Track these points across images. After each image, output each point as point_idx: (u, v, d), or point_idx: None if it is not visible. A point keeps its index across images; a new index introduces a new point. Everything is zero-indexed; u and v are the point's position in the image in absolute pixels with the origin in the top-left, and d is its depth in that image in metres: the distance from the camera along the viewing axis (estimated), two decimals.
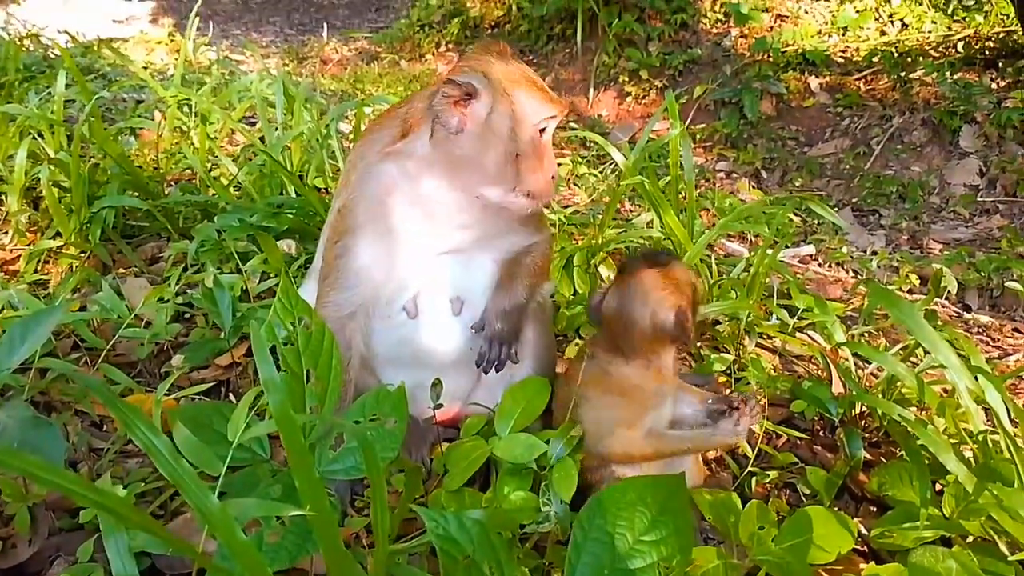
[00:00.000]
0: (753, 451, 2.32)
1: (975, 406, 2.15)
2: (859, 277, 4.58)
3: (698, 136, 7.74)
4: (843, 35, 8.69)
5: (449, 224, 2.09)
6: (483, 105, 1.94)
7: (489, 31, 10.48)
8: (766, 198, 5.59)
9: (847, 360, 2.81)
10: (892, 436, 2.44)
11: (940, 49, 8.09)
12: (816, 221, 5.73)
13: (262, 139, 4.04)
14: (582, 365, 2.05)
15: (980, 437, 2.17)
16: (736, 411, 1.96)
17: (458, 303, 2.17)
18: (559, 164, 2.21)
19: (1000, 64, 7.51)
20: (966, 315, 4.28)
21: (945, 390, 2.57)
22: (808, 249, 4.92)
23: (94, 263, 3.26)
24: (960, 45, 8.04)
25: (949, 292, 3.83)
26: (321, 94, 6.85)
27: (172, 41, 9.62)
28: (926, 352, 2.52)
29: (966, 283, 4.55)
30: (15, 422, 1.82)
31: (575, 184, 5.70)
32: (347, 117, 5.24)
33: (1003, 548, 1.82)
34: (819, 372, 2.96)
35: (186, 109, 4.63)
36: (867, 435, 2.53)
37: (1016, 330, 4.09)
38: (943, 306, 4.31)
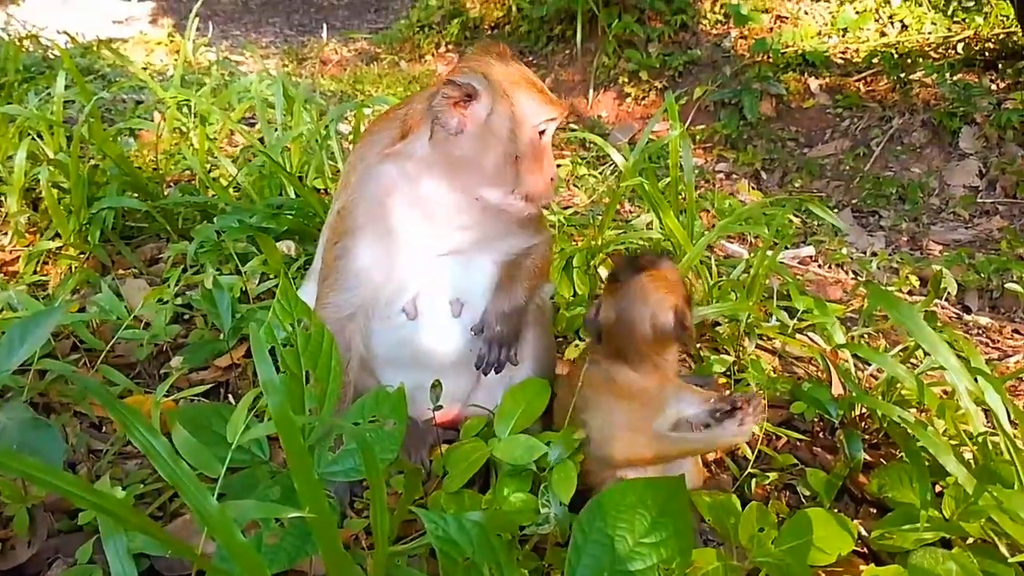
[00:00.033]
0: (753, 453, 2.32)
1: (975, 408, 2.15)
2: (859, 278, 4.57)
3: (698, 137, 7.74)
4: (843, 36, 8.69)
5: (449, 225, 2.09)
6: (483, 106, 1.94)
7: (489, 32, 10.49)
8: (766, 199, 5.60)
9: (847, 361, 2.81)
10: (892, 438, 2.44)
11: (940, 50, 8.10)
12: (816, 222, 5.73)
13: (261, 140, 4.04)
14: (583, 368, 2.04)
15: (980, 439, 2.17)
16: (740, 410, 1.96)
17: (458, 305, 2.17)
18: (558, 165, 2.21)
19: (1000, 65, 7.51)
20: (966, 316, 4.28)
21: (945, 392, 2.57)
22: (808, 250, 4.92)
23: (93, 264, 3.25)
24: (960, 46, 8.04)
25: (949, 293, 3.84)
26: (320, 95, 6.85)
27: (172, 42, 9.62)
28: (926, 354, 2.52)
29: (966, 284, 4.55)
30: (14, 423, 1.82)
31: (575, 185, 5.70)
32: (346, 118, 5.24)
33: (1003, 550, 1.82)
34: (819, 373, 2.95)
35: (185, 110, 4.63)
36: (867, 437, 2.53)
37: (1016, 331, 4.09)
38: (943, 307, 4.31)
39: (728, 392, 2.45)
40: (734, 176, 7.13)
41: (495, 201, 2.02)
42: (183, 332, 2.81)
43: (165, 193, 3.73)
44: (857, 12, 8.80)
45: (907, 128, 7.16)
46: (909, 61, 7.86)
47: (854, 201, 6.59)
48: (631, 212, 4.88)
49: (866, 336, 3.28)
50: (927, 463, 2.03)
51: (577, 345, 2.86)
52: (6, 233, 3.41)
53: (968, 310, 4.44)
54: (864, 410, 2.56)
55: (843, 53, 8.38)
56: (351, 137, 4.61)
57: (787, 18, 9.02)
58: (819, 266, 4.75)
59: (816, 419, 2.62)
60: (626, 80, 8.72)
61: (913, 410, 2.53)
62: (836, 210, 6.27)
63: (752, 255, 3.58)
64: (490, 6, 10.61)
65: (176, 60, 6.27)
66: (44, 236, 3.34)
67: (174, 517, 1.94)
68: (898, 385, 2.59)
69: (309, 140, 4.01)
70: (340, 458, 1.75)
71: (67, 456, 2.07)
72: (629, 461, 1.98)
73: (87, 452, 2.17)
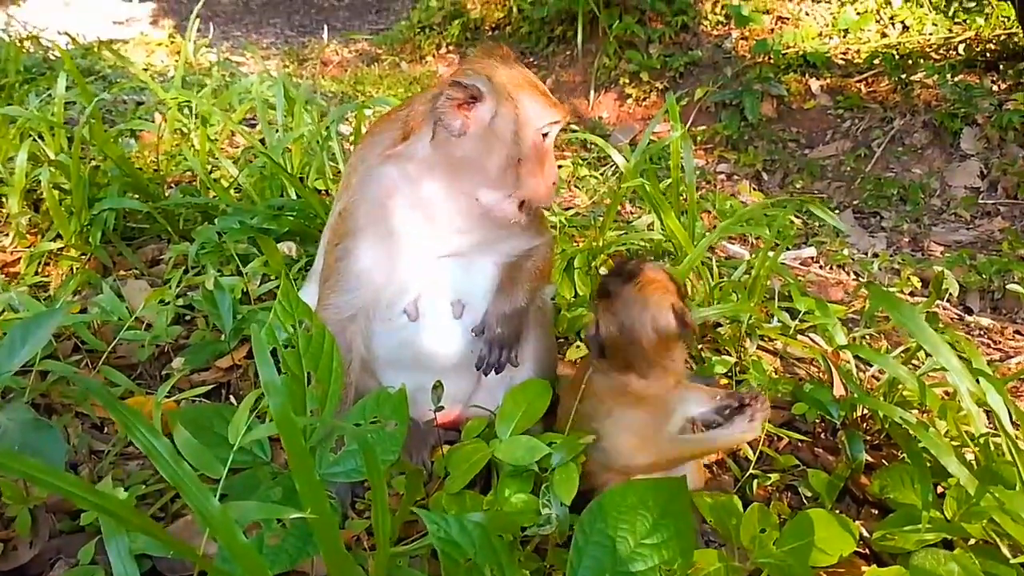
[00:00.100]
0: (754, 454, 2.32)
1: (976, 409, 2.15)
2: (860, 279, 4.57)
3: (699, 138, 7.74)
4: (844, 37, 8.70)
5: (450, 227, 2.09)
6: (487, 108, 1.95)
7: (490, 33, 10.49)
8: (767, 200, 5.60)
9: (848, 363, 2.81)
10: (894, 439, 2.44)
11: (941, 51, 8.10)
12: (817, 223, 5.73)
13: (262, 141, 4.04)
14: (587, 375, 2.03)
15: (982, 440, 2.17)
16: (748, 407, 1.96)
17: (459, 306, 2.17)
18: (560, 166, 2.21)
19: (1001, 66, 7.51)
20: (967, 317, 4.28)
21: (947, 393, 2.57)
22: (809, 251, 4.92)
23: (94, 265, 3.26)
24: (961, 47, 8.05)
25: (950, 295, 3.84)
26: (321, 96, 6.85)
27: (172, 43, 9.63)
28: (927, 355, 2.52)
29: (967, 285, 4.55)
30: (16, 424, 1.82)
31: (576, 186, 5.70)
32: (348, 119, 5.25)
33: (1005, 551, 1.82)
34: (820, 375, 2.95)
35: (186, 111, 4.64)
36: (868, 438, 2.53)
37: (1017, 332, 4.09)
38: (944, 308, 4.30)
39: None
40: (735, 177, 7.14)
41: (490, 203, 2.02)
42: (184, 333, 2.81)
43: (166, 194, 3.73)
44: (858, 13, 8.81)
45: (908, 129, 7.16)
46: (910, 62, 7.86)
47: (855, 202, 6.59)
48: (632, 213, 4.88)
49: (867, 337, 3.28)
50: (929, 464, 2.03)
51: (578, 346, 2.85)
52: (7, 234, 3.41)
53: (970, 311, 4.44)
54: (866, 411, 2.56)
55: (844, 54, 8.38)
56: (352, 138, 4.61)
57: (788, 19, 9.02)
58: (820, 267, 4.75)
59: (818, 420, 2.62)
60: (627, 81, 8.73)
61: (915, 411, 2.53)
62: (837, 211, 6.27)
63: (753, 256, 3.58)
64: (491, 7, 10.62)
65: (177, 61, 6.28)
66: (45, 237, 3.34)
67: (176, 518, 1.95)
68: (900, 386, 2.59)
69: (310, 141, 4.02)
70: (341, 459, 1.75)
71: (69, 457, 2.07)
72: (649, 467, 1.96)
73: (89, 453, 2.17)
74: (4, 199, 3.50)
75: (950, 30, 8.43)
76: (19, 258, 3.26)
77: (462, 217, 2.07)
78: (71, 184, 3.26)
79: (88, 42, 6.96)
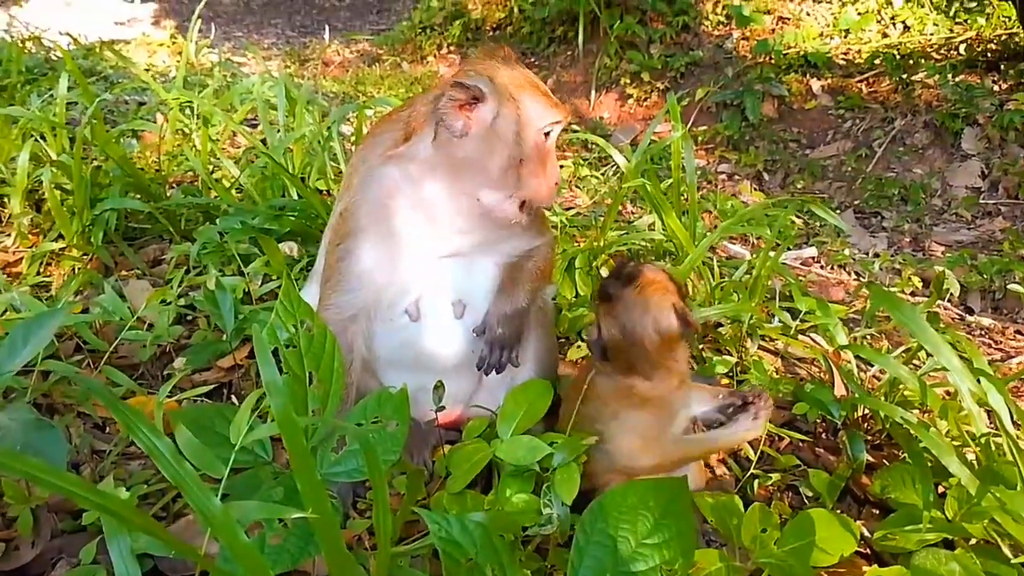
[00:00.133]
0: (755, 454, 2.32)
1: (977, 409, 2.15)
2: (861, 279, 4.57)
3: (700, 138, 7.74)
4: (845, 37, 8.69)
5: (451, 227, 2.09)
6: (488, 109, 1.95)
7: (490, 33, 10.50)
8: (768, 200, 5.59)
9: (849, 363, 2.81)
10: (894, 439, 2.44)
11: (942, 51, 8.09)
12: (818, 223, 5.73)
13: (264, 141, 4.04)
14: (589, 377, 2.03)
15: (983, 440, 2.17)
16: (752, 405, 1.97)
17: (460, 306, 2.17)
18: (560, 166, 2.21)
19: (1002, 66, 7.51)
20: (968, 317, 4.28)
21: (948, 393, 2.57)
22: (810, 251, 4.92)
23: (96, 265, 3.26)
24: (962, 47, 8.04)
25: (951, 294, 3.83)
26: (323, 96, 6.86)
27: (174, 43, 9.64)
28: (928, 355, 2.52)
29: (968, 285, 4.55)
30: (18, 424, 1.82)
31: (577, 186, 5.70)
32: (349, 119, 5.25)
33: (1006, 551, 1.82)
34: (821, 375, 2.95)
35: (188, 111, 4.64)
36: (869, 438, 2.53)
37: (1018, 332, 4.09)
38: (945, 308, 4.31)
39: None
40: (736, 177, 7.14)
41: (492, 204, 2.02)
42: (186, 333, 2.81)
43: (168, 194, 3.73)
44: (859, 13, 8.81)
45: (909, 129, 7.16)
46: (911, 62, 7.86)
47: (856, 202, 6.59)
48: (633, 213, 4.88)
49: (868, 337, 3.28)
50: (930, 464, 2.03)
51: (579, 346, 2.86)
52: (9, 234, 3.42)
53: (971, 311, 4.44)
54: (867, 411, 2.56)
55: (845, 54, 8.38)
56: (353, 138, 4.61)
57: (789, 19, 9.02)
58: (821, 267, 4.75)
59: (818, 420, 2.62)
60: (628, 81, 8.73)
61: (916, 411, 2.53)
62: (838, 211, 6.27)
63: (754, 256, 3.58)
64: (492, 7, 10.62)
65: (178, 61, 6.29)
66: (47, 237, 3.35)
67: (177, 518, 1.95)
68: (901, 386, 2.59)
69: (311, 141, 4.02)
70: (343, 459, 1.76)
71: (71, 457, 2.07)
72: (654, 468, 1.96)
73: (90, 453, 2.17)
74: (6, 199, 3.50)
75: (951, 30, 8.43)
76: (21, 258, 3.27)
77: (463, 217, 2.07)
78: (73, 184, 3.27)
79: (90, 43, 6.97)
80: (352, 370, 2.11)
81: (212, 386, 2.50)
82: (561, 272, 3.23)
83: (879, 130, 7.27)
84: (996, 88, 7.25)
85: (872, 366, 2.97)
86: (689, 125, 7.72)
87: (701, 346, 2.99)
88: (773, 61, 8.25)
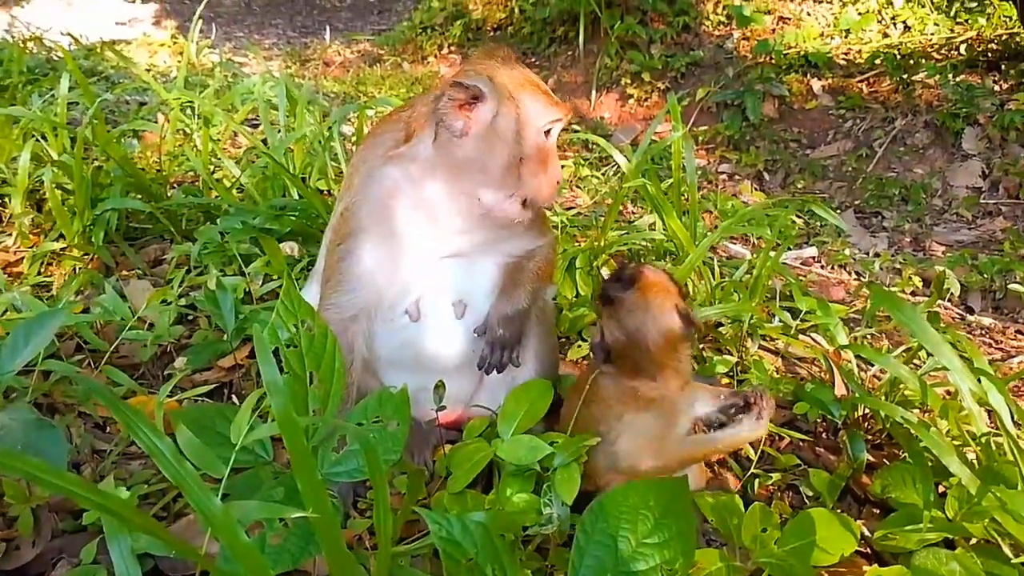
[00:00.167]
0: (756, 453, 2.32)
1: (978, 408, 2.15)
2: (861, 279, 4.57)
3: (700, 138, 7.75)
4: (845, 37, 8.69)
5: (452, 228, 2.09)
6: (488, 109, 1.95)
7: (491, 33, 10.50)
8: (768, 200, 5.60)
9: (850, 362, 2.81)
10: (895, 438, 2.44)
11: (943, 51, 8.09)
12: (818, 223, 5.73)
13: (265, 141, 4.05)
14: (592, 378, 2.02)
15: (983, 439, 2.17)
16: (754, 405, 1.97)
17: (461, 307, 2.17)
18: (561, 166, 2.21)
19: (1003, 66, 7.51)
20: (969, 317, 4.28)
21: (948, 392, 2.57)
22: (810, 251, 4.92)
23: (97, 265, 3.26)
24: (963, 47, 8.04)
25: (952, 294, 3.83)
26: (324, 96, 6.87)
27: (175, 43, 9.65)
28: (929, 354, 2.52)
29: (969, 285, 4.55)
30: (18, 424, 1.82)
31: (577, 186, 5.71)
32: (350, 119, 5.25)
33: (1006, 550, 1.82)
34: (822, 374, 2.95)
35: (189, 111, 4.64)
36: (870, 437, 2.53)
37: (1019, 332, 4.09)
38: (946, 308, 4.31)
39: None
40: (737, 177, 7.14)
41: (492, 203, 2.02)
42: (187, 333, 2.81)
43: (169, 194, 3.73)
44: (860, 13, 8.80)
45: (910, 129, 7.16)
46: (912, 62, 7.86)
47: (857, 202, 6.59)
48: (634, 213, 4.88)
49: (869, 337, 3.28)
50: (930, 464, 2.03)
51: (580, 346, 2.86)
52: (10, 234, 3.42)
53: (971, 311, 4.44)
54: (867, 411, 2.56)
55: (846, 54, 8.38)
56: (354, 139, 4.61)
57: (789, 19, 9.02)
58: (822, 267, 4.75)
59: (819, 420, 2.62)
60: (628, 81, 8.73)
61: (916, 411, 2.53)
62: (839, 211, 6.27)
63: (755, 256, 3.58)
64: (492, 8, 10.62)
65: (179, 62, 6.30)
66: (48, 237, 3.35)
67: (178, 517, 1.95)
68: (901, 386, 2.59)
69: (312, 141, 4.02)
70: (343, 459, 1.76)
71: (71, 457, 2.08)
72: (659, 469, 1.96)
73: (91, 453, 2.18)
74: (7, 199, 3.51)
75: (952, 30, 8.43)
76: (22, 258, 3.27)
77: (464, 217, 2.07)
78: (74, 184, 3.27)
79: (91, 43, 6.98)
80: (353, 370, 2.11)
81: (213, 386, 2.50)
82: (562, 272, 3.23)
83: (880, 130, 7.27)
84: (997, 88, 7.26)
85: (872, 366, 2.97)
86: (690, 125, 7.72)
87: (702, 346, 2.98)
88: (774, 61, 8.25)
